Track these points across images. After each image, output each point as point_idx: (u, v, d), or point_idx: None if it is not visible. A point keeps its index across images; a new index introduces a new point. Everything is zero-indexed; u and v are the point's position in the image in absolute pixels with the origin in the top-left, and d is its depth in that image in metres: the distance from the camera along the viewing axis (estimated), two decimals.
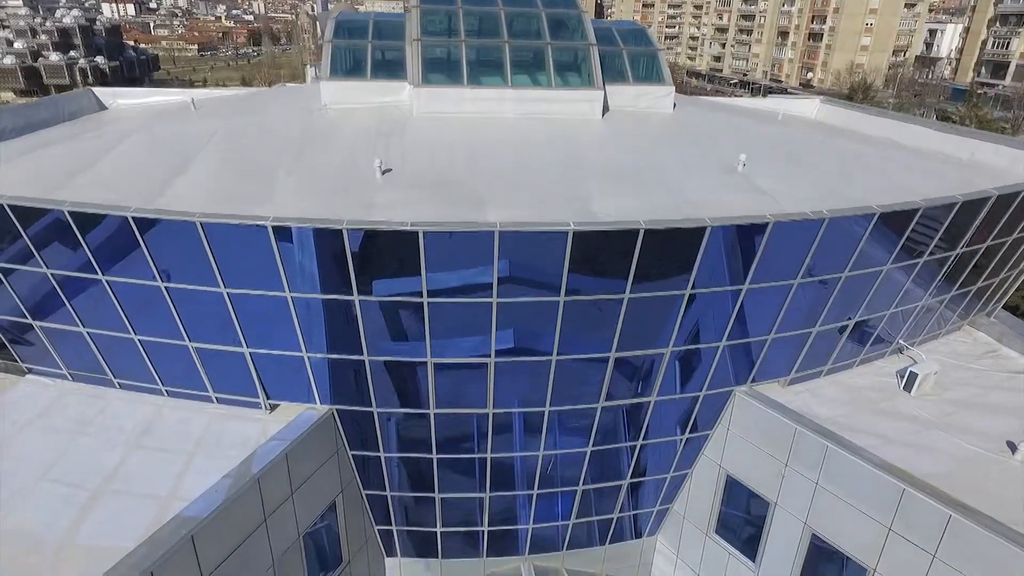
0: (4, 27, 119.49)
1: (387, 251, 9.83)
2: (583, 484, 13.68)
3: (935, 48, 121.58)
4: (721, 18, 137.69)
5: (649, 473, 14.10)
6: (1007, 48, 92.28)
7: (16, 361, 12.64)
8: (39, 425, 11.54)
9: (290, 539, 11.30)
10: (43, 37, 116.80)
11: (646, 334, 11.15)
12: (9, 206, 9.81)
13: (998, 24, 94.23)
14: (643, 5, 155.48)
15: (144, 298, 10.65)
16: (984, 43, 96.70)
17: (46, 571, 8.76)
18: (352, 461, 12.61)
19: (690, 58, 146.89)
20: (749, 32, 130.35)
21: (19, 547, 9.11)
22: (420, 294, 9.94)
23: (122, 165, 12.12)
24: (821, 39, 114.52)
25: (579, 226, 9.45)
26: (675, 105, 18.56)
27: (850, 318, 12.69)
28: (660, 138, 15.92)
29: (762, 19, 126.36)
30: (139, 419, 11.70)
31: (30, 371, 12.71)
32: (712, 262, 10.47)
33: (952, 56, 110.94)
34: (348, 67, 17.32)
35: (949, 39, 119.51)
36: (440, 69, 16.74)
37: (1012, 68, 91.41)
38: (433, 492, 13.29)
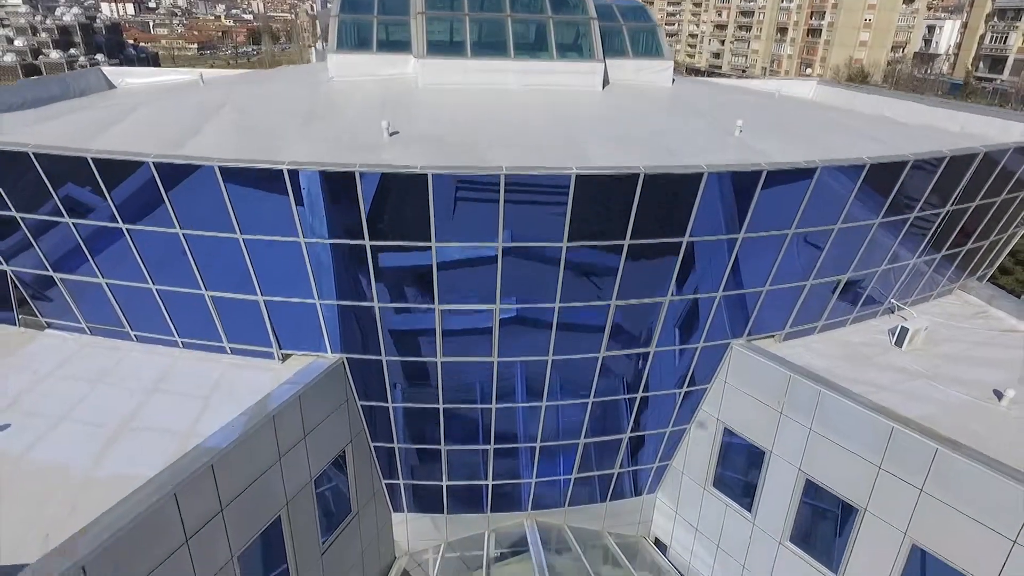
0: (4, 25, 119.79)
1: (397, 197, 10.24)
2: (584, 438, 14.10)
3: (934, 44, 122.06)
4: (720, 15, 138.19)
5: (649, 428, 14.52)
6: (1005, 43, 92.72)
7: (36, 316, 13.07)
8: (59, 375, 11.95)
9: (302, 482, 11.72)
10: (43, 35, 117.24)
11: (645, 283, 11.57)
12: (35, 155, 10.22)
13: (996, 19, 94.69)
14: None
15: (162, 248, 11.07)
16: (982, 38, 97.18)
17: (73, 498, 9.15)
18: (361, 412, 13.02)
19: (689, 55, 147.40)
20: (748, 28, 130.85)
21: (46, 478, 9.52)
22: (429, 240, 10.36)
23: (138, 128, 12.54)
24: (820, 35, 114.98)
25: (581, 170, 9.88)
26: (674, 81, 19.04)
27: (842, 274, 13.12)
28: (659, 107, 16.33)
29: (761, 15, 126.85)
30: (156, 368, 12.12)
31: (49, 326, 13.13)
32: (708, 211, 10.89)
33: (950, 52, 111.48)
34: (354, 41, 17.74)
35: (947, 35, 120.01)
36: (444, 42, 17.17)
37: (1010, 62, 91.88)
38: (439, 444, 13.72)
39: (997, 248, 16.36)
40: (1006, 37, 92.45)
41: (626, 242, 10.77)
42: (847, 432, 11.56)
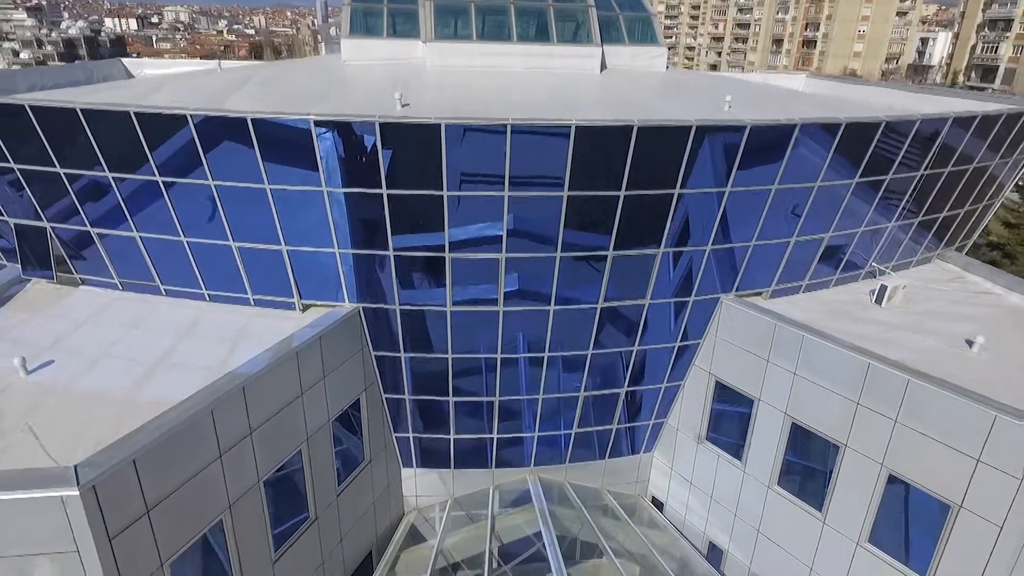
0: (10, 38, 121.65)
1: (413, 148, 11.19)
2: (584, 391, 14.95)
3: (927, 56, 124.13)
4: (717, 27, 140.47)
5: (644, 383, 15.38)
6: (996, 52, 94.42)
7: (71, 273, 13.97)
8: (95, 321, 12.84)
9: (321, 421, 12.56)
10: (49, 47, 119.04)
11: (640, 234, 12.50)
12: (82, 111, 11.19)
13: (987, 29, 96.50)
14: None
15: (194, 201, 12.02)
16: (974, 48, 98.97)
17: (117, 418, 9.99)
18: (374, 362, 13.89)
19: (686, 67, 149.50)
20: (744, 40, 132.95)
21: (91, 403, 10.36)
22: (441, 188, 11.31)
23: (173, 96, 13.53)
24: (815, 46, 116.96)
25: (580, 121, 10.86)
26: (668, 67, 20.13)
27: (823, 233, 14.05)
28: (653, 87, 17.35)
29: (757, 27, 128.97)
30: (185, 318, 13.01)
31: (83, 282, 14.03)
32: (697, 166, 11.85)
33: (943, 63, 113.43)
34: (366, 27, 18.84)
35: (941, 47, 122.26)
36: (450, 27, 18.24)
37: (1001, 71, 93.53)
38: (447, 396, 14.57)
39: (973, 220, 17.33)
40: (996, 47, 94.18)
41: (622, 193, 11.72)
42: (828, 373, 12.44)
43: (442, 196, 11.44)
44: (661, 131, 11.36)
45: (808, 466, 13.46)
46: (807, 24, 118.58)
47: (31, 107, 11.38)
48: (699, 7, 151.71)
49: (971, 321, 14.12)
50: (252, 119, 10.73)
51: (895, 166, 13.63)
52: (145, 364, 11.43)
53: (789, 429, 13.47)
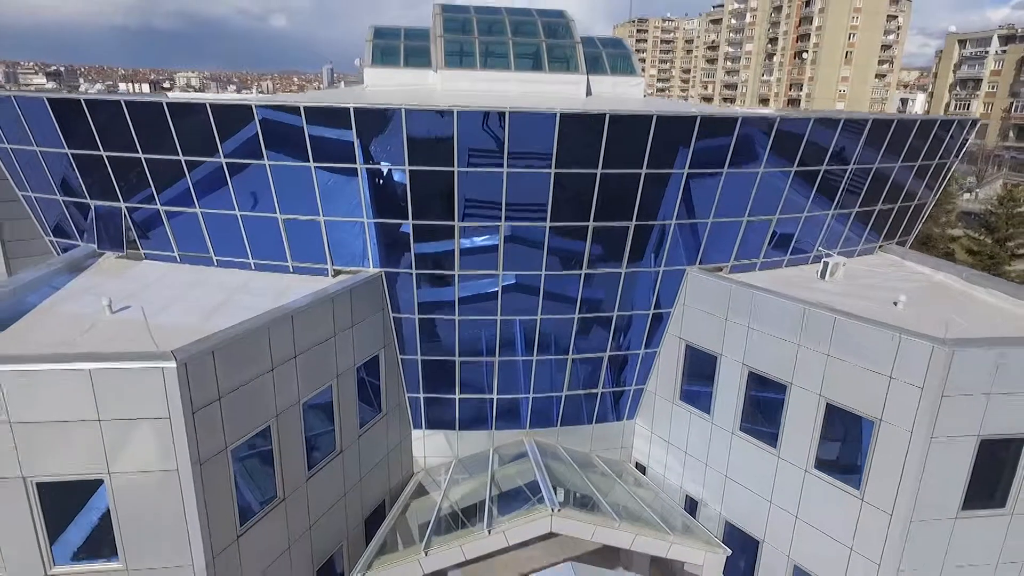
0: None
1: (430, 133, 13.99)
2: (572, 354, 17.28)
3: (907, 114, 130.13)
4: (706, 88, 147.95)
5: (624, 349, 17.71)
6: (968, 108, 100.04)
7: (137, 249, 16.55)
8: (161, 283, 15.31)
9: (348, 364, 14.87)
10: None
11: (615, 208, 15.15)
12: (168, 105, 14.03)
13: (958, 88, 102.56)
14: None
15: (248, 179, 14.72)
16: (947, 105, 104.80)
17: (187, 340, 12.35)
18: (392, 324, 16.30)
19: None
20: (732, 100, 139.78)
21: (167, 331, 12.72)
22: (453, 164, 14.05)
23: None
24: (799, 104, 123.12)
25: (564, 110, 13.71)
26: (645, 95, 23.34)
27: (771, 215, 16.72)
28: (631, 108, 20.39)
29: (744, 88, 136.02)
30: (236, 281, 15.50)
31: (146, 256, 16.59)
32: (659, 150, 14.63)
33: None
34: (385, 59, 22.12)
35: (919, 107, 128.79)
36: (458, 58, 21.50)
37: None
38: (454, 356, 16.90)
39: (907, 217, 20.05)
40: (968, 104, 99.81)
41: (598, 171, 14.46)
42: (774, 322, 14.84)
43: (453, 172, 14.17)
44: (628, 119, 14.20)
45: (763, 409, 15.65)
46: (791, 85, 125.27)
47: (126, 103, 14.24)
48: (689, 71, 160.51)
49: (900, 291, 16.54)
50: (305, 107, 13.57)
51: (827, 158, 16.43)
52: (207, 308, 13.86)
53: (747, 377, 15.75)
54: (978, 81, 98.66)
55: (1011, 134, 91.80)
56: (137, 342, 11.96)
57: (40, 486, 10.48)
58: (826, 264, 17.22)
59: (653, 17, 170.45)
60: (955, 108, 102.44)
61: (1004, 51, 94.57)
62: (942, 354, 12.04)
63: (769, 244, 17.43)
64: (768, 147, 15.43)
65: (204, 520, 11.10)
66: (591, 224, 15.21)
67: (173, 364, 10.19)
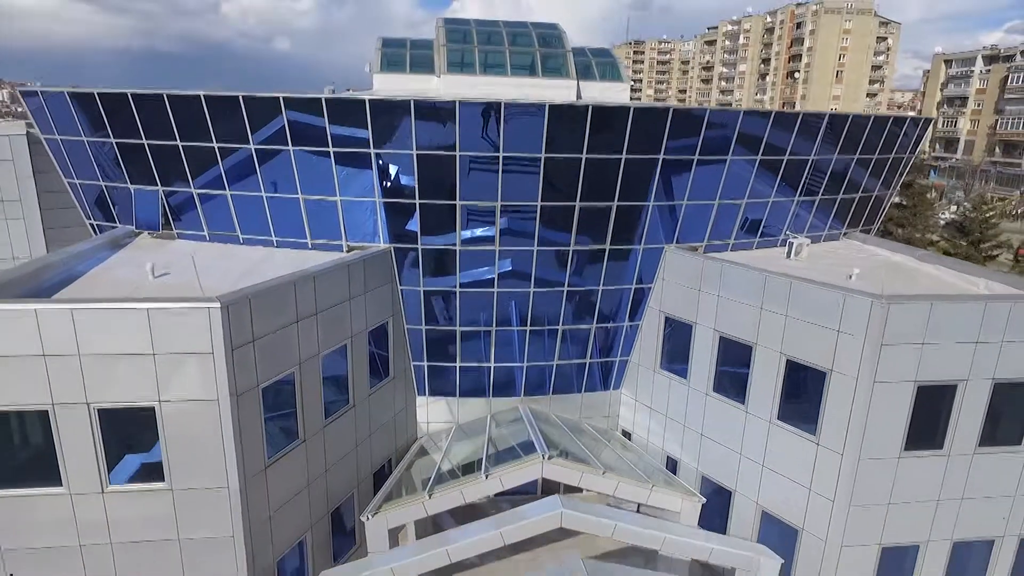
0: None
1: (435, 120, 15.97)
2: (562, 324, 19.09)
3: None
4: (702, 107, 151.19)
5: (610, 320, 19.51)
6: (955, 126, 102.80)
7: (171, 229, 18.44)
8: (194, 255, 17.16)
9: (360, 327, 16.68)
10: None
11: (598, 188, 17.08)
12: (205, 97, 16.02)
13: (946, 106, 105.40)
14: None
15: (274, 165, 16.67)
16: (936, 123, 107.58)
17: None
18: (400, 295, 18.13)
19: None
20: None
21: (203, 291, 14.56)
22: (455, 150, 16.00)
23: None
24: None
25: (552, 102, 15.70)
26: (631, 98, 25.43)
27: (740, 199, 18.65)
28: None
29: (738, 106, 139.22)
30: (260, 255, 17.39)
31: (179, 236, 18.48)
32: (637, 139, 16.59)
33: None
34: (393, 65, 24.23)
35: None
36: (459, 64, 23.60)
37: (961, 143, 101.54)
38: (454, 326, 18.71)
39: (869, 206, 21.99)
40: (955, 121, 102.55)
41: (583, 156, 16.41)
42: (740, 290, 16.67)
43: (455, 157, 16.13)
44: (609, 110, 16.18)
45: (733, 369, 17.42)
46: (783, 103, 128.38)
47: (168, 96, 16.22)
48: (685, 91, 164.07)
49: (857, 267, 18.44)
50: (326, 99, 15.56)
51: (789, 149, 18.42)
52: (236, 275, 15.70)
53: (718, 342, 17.54)
54: (964, 99, 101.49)
55: (997, 149, 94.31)
56: None
57: (101, 412, 12.24)
58: (791, 245, 19.11)
59: (650, 39, 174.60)
60: (943, 125, 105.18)
61: (988, 70, 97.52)
62: (880, 308, 13.87)
63: (740, 228, 19.35)
64: (734, 139, 17.40)
65: (239, 447, 12.84)
66: (577, 204, 17.12)
67: (218, 306, 12.03)
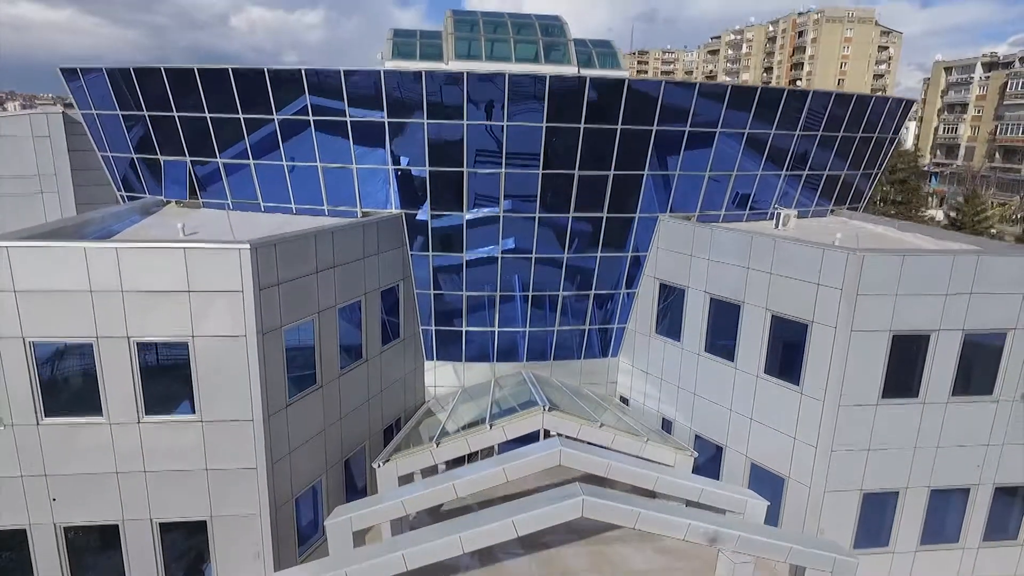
0: None
1: (445, 91, 17.23)
2: (562, 291, 20.22)
3: (900, 142, 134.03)
4: None
5: (609, 287, 20.63)
6: (956, 132, 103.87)
7: (196, 198, 19.73)
8: (220, 219, 18.43)
9: (373, 286, 17.86)
10: None
11: (595, 158, 18.28)
12: (233, 71, 17.34)
13: (946, 112, 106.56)
14: None
15: (295, 135, 17.95)
16: (936, 129, 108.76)
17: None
18: (410, 260, 19.32)
19: None
20: None
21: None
22: (462, 118, 17.26)
23: None
24: None
25: (552, 73, 16.95)
26: None
27: (731, 171, 19.81)
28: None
29: None
30: (281, 220, 18.62)
31: (204, 205, 19.76)
32: (632, 110, 17.81)
33: (914, 145, 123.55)
34: (402, 53, 25.58)
35: (912, 134, 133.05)
36: (467, 53, 24.92)
37: (962, 149, 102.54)
38: (461, 291, 19.87)
39: (855, 184, 23.12)
40: (956, 128, 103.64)
41: (581, 125, 17.63)
42: (729, 252, 17.79)
43: (463, 125, 17.38)
44: (606, 81, 17.41)
45: (722, 328, 18.48)
46: None
47: (198, 70, 17.55)
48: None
49: (840, 233, 19.56)
50: (344, 71, 16.86)
51: (775, 124, 19.59)
52: (262, 232, 16.92)
53: (709, 303, 18.64)
54: (964, 106, 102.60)
55: (997, 155, 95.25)
56: None
57: (139, 345, 13.42)
58: (779, 215, 20.24)
59: (653, 49, 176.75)
60: (944, 131, 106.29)
61: (987, 77, 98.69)
62: (855, 260, 14.97)
63: (730, 201, 20.49)
64: (722, 112, 18.60)
65: (263, 383, 13.99)
66: (576, 173, 18.33)
67: (248, 247, 13.24)
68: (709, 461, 19.02)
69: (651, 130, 18.23)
